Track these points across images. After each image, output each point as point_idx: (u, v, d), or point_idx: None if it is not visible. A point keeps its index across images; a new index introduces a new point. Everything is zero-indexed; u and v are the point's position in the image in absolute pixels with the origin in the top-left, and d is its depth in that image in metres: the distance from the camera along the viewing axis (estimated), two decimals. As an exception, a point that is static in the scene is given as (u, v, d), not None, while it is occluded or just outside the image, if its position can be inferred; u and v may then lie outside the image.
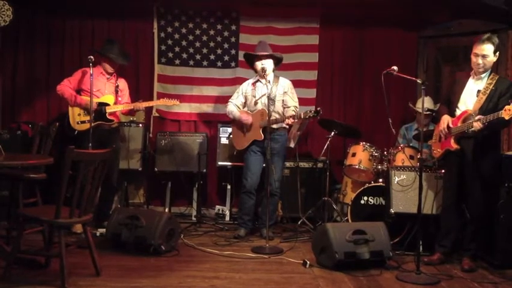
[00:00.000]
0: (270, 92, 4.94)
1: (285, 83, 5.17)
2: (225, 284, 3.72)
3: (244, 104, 5.27)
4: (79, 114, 4.99)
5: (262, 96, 5.09)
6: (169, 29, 6.19)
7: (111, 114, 5.06)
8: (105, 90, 5.07)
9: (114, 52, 5.06)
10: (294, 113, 4.94)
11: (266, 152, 4.80)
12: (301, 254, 4.54)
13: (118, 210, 4.67)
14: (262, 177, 5.15)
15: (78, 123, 4.99)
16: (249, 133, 5.13)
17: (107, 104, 5.04)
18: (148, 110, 6.07)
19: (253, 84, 5.23)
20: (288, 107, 5.08)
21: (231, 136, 5.53)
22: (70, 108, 5.02)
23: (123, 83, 5.27)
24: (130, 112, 5.24)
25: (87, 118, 4.94)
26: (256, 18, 6.21)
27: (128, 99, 5.28)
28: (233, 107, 5.23)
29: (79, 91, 5.03)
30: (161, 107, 6.07)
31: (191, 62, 6.24)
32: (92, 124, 4.80)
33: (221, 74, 6.24)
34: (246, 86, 5.29)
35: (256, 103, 5.15)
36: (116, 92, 5.14)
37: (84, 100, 4.95)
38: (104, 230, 4.69)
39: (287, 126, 5.16)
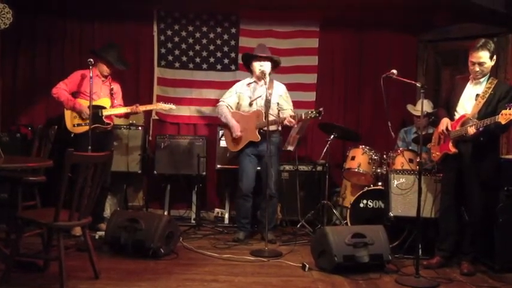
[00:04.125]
0: (267, 94, 4.93)
1: (280, 87, 5.16)
2: (224, 287, 3.71)
3: (237, 105, 5.24)
4: (75, 117, 5.01)
5: (258, 98, 5.07)
6: (169, 32, 6.20)
7: (107, 117, 5.08)
8: (101, 93, 5.09)
9: (112, 56, 5.08)
10: (293, 114, 4.93)
11: (261, 154, 4.79)
12: (300, 257, 4.53)
13: (117, 213, 4.66)
14: (257, 179, 5.15)
15: (74, 125, 5.01)
16: (245, 134, 5.10)
17: (103, 107, 5.05)
18: (148, 112, 6.08)
19: (248, 85, 5.21)
20: (284, 110, 5.08)
21: (223, 138, 5.51)
22: (66, 111, 5.03)
23: (117, 87, 5.29)
24: (126, 115, 5.28)
25: (84, 121, 4.97)
26: (256, 22, 6.22)
27: (120, 102, 5.29)
28: (225, 109, 5.18)
29: (74, 94, 5.04)
30: (161, 110, 6.07)
31: (191, 65, 6.25)
32: (88, 127, 4.82)
33: (221, 77, 6.25)
34: (240, 86, 5.26)
35: (251, 104, 5.14)
36: (111, 94, 5.17)
37: (79, 104, 4.98)
38: (103, 233, 4.69)
39: (280, 129, 5.14)
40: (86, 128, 4.95)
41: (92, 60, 4.85)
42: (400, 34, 6.28)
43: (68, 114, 5.03)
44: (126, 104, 5.27)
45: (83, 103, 4.99)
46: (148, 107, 5.35)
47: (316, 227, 5.39)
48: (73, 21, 6.11)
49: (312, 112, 4.81)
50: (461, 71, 5.27)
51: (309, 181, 5.86)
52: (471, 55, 4.14)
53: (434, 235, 4.49)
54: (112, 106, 5.15)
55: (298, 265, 4.25)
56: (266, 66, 5.03)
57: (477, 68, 4.13)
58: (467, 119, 4.12)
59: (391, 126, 4.21)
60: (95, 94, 5.02)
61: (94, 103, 4.97)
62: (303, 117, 4.84)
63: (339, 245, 4.06)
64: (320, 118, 4.91)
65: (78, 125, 5.01)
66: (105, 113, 5.05)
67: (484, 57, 4.09)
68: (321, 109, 4.80)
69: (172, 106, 5.40)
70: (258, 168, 5.16)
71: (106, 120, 5.08)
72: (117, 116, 5.27)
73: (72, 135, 5.00)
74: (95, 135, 4.89)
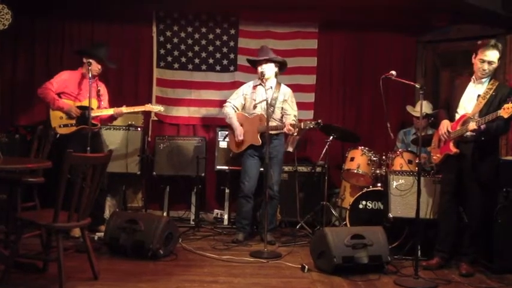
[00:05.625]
0: (271, 97, 4.93)
1: (285, 91, 5.15)
2: (223, 288, 3.72)
3: (243, 106, 5.26)
4: (61, 118, 4.96)
5: (263, 101, 5.06)
6: (168, 33, 6.20)
7: (94, 118, 5.03)
8: (87, 93, 5.03)
9: (103, 53, 5.05)
10: (294, 122, 4.93)
11: (265, 156, 4.79)
12: (299, 258, 4.54)
13: (116, 214, 4.65)
14: (260, 181, 5.15)
15: (60, 126, 4.96)
16: (247, 137, 5.12)
17: (91, 108, 5.01)
18: (147, 114, 6.07)
19: (254, 87, 5.21)
20: (288, 115, 5.07)
21: (227, 139, 5.53)
22: (51, 112, 4.98)
23: (103, 88, 5.26)
24: (111, 119, 5.22)
25: (70, 122, 4.96)
26: (255, 23, 6.23)
27: (106, 105, 5.24)
28: (231, 110, 5.20)
29: (59, 94, 5.00)
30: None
31: (190, 66, 6.24)
32: (75, 128, 4.89)
33: (220, 78, 6.24)
34: (247, 88, 5.26)
35: (255, 107, 5.13)
36: (98, 96, 5.12)
37: (67, 104, 4.95)
38: (102, 234, 4.69)
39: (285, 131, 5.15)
40: (73, 129, 4.94)
41: (91, 60, 4.84)
42: (399, 35, 6.28)
43: (53, 114, 4.97)
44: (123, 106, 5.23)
45: (71, 103, 4.97)
46: (136, 109, 5.24)
47: (316, 228, 5.39)
48: (72, 22, 6.11)
49: (310, 123, 4.82)
50: (460, 72, 5.28)
51: (308, 182, 5.85)
52: (482, 53, 4.12)
53: (434, 236, 4.49)
54: (99, 107, 5.11)
55: (297, 266, 4.25)
56: (266, 68, 5.00)
57: (486, 67, 4.12)
58: (468, 118, 4.12)
59: (390, 127, 4.22)
60: (81, 95, 4.99)
61: (81, 104, 4.97)
62: (302, 127, 4.84)
63: (338, 246, 4.06)
64: (318, 128, 4.93)
65: (64, 125, 4.96)
66: (92, 114, 5.00)
67: (494, 57, 4.10)
68: (319, 121, 4.82)
69: (161, 108, 5.41)
70: (261, 169, 5.16)
71: (93, 122, 5.04)
72: (102, 118, 5.17)
73: (57, 136, 4.94)
74: (82, 136, 4.83)
